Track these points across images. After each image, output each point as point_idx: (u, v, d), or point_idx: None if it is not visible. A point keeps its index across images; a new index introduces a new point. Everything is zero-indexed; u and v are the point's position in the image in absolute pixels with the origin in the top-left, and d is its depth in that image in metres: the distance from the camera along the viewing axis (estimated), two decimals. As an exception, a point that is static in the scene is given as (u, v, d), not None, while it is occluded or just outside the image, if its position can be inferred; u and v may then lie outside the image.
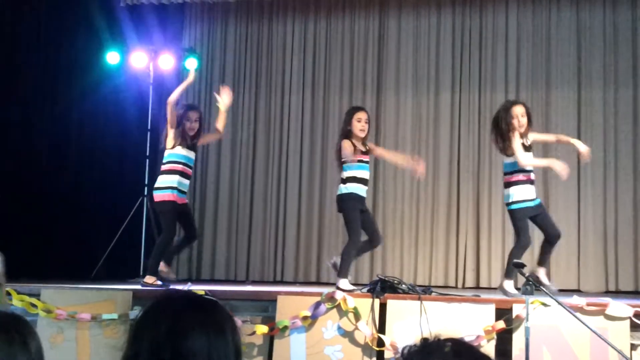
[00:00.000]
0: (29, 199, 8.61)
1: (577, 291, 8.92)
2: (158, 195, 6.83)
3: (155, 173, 9.83)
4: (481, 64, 9.62)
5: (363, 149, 6.74)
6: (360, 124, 6.69)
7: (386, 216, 9.66)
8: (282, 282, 9.64)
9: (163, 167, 7.01)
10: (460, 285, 9.31)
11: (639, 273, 8.90)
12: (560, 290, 8.81)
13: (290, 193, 9.95)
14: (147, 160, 9.56)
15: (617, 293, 8.77)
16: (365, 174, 6.70)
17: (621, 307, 4.51)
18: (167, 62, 9.56)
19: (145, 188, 9.37)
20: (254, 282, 9.59)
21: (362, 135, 6.74)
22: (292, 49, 10.16)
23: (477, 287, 9.22)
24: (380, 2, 9.92)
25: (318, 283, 9.58)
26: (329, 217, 9.71)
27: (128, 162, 9.60)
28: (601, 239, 9.06)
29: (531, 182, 6.38)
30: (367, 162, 6.80)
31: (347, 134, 6.72)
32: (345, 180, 6.56)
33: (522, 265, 4.44)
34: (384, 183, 9.74)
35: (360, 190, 6.59)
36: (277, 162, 10.07)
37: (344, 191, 6.53)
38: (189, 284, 5.21)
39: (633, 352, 4.43)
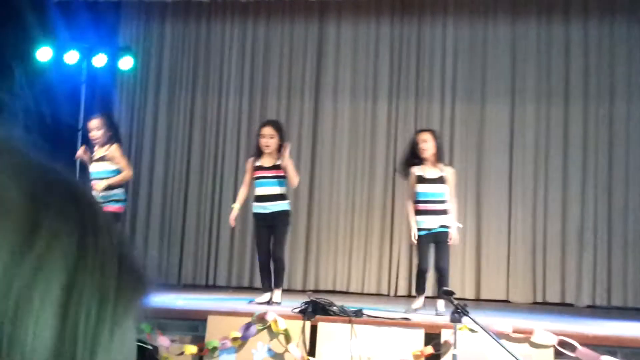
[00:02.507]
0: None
1: (506, 301, 9.12)
2: None
3: (84, 174, 9.68)
4: (418, 74, 9.70)
5: (268, 165, 6.78)
6: (263, 140, 6.75)
7: (321, 223, 9.67)
8: (214, 287, 9.57)
9: None
10: (392, 293, 9.39)
11: (565, 285, 9.11)
12: (490, 301, 9.04)
13: (225, 197, 9.86)
14: (78, 161, 9.31)
15: (545, 304, 8.99)
16: (262, 190, 6.76)
17: (546, 335, 4.60)
18: (101, 60, 9.33)
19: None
20: (186, 286, 9.49)
21: (267, 150, 6.77)
22: (230, 51, 10.06)
23: (409, 295, 9.30)
24: (319, 8, 9.88)
25: (251, 288, 9.54)
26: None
27: (58, 164, 9.34)
28: (530, 250, 9.24)
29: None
30: (269, 178, 6.80)
31: (255, 151, 6.94)
32: None
33: (451, 293, 4.49)
34: (319, 190, 9.74)
35: (257, 208, 6.82)
36: (212, 165, 9.97)
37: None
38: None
39: (556, 379, 4.54)
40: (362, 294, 9.38)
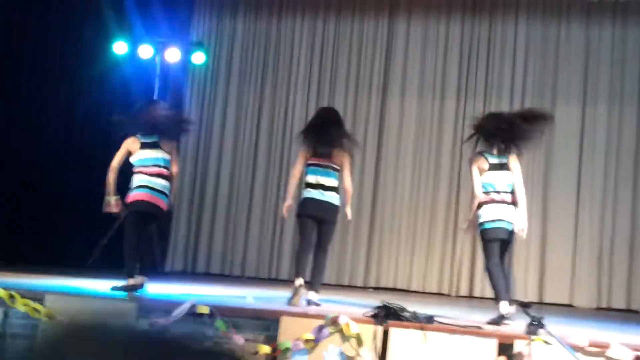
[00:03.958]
0: (32, 189, 8.61)
1: (569, 305, 9.03)
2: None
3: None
4: (488, 73, 9.63)
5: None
6: None
7: (384, 220, 9.70)
8: (277, 280, 9.69)
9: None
10: (454, 293, 9.38)
11: (632, 291, 8.97)
12: (552, 304, 8.95)
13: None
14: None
15: (609, 310, 8.88)
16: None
17: (622, 350, 4.57)
18: (174, 55, 9.50)
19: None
20: (249, 278, 9.64)
21: None
22: (300, 47, 10.14)
23: (471, 296, 9.30)
24: (390, 5, 9.89)
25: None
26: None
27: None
28: (596, 254, 9.12)
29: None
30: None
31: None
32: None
33: (528, 305, 4.50)
34: (384, 187, 9.76)
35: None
36: (279, 158, 10.09)
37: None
38: (193, 299, 5.22)
39: (630, 395, 4.51)
40: (423, 292, 9.40)
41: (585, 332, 5.36)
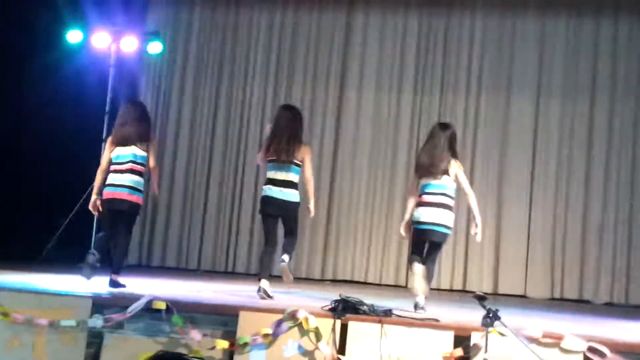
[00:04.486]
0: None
1: (523, 297, 9.17)
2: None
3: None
4: (444, 67, 9.70)
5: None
6: None
7: (341, 213, 9.72)
8: (233, 273, 9.66)
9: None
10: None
11: (583, 282, 9.15)
12: (507, 295, 9.09)
13: (247, 183, 9.93)
14: (103, 143, 9.38)
15: (562, 301, 9.05)
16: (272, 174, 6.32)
17: (576, 341, 4.65)
18: (129, 43, 9.36)
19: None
20: (206, 272, 9.59)
21: None
22: (257, 38, 10.08)
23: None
24: (348, -1, 9.88)
25: (270, 276, 9.59)
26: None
27: (84, 145, 9.41)
28: (549, 246, 9.28)
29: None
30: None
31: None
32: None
33: (484, 298, 4.55)
34: (340, 180, 9.78)
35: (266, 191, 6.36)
36: (235, 150, 10.03)
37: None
38: (150, 294, 5.16)
39: (584, 386, 4.59)
40: (379, 284, 9.45)
41: (539, 323, 5.46)
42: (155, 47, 9.49)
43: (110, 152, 6.39)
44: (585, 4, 9.31)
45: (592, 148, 9.29)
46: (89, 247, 8.95)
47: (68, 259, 8.46)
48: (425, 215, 5.91)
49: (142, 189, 6.38)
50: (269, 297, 6.08)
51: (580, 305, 8.78)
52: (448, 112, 9.57)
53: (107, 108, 9.37)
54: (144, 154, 6.35)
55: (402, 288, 9.28)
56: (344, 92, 9.90)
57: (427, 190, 5.97)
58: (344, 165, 9.79)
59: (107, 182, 6.29)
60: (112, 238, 6.26)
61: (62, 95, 9.16)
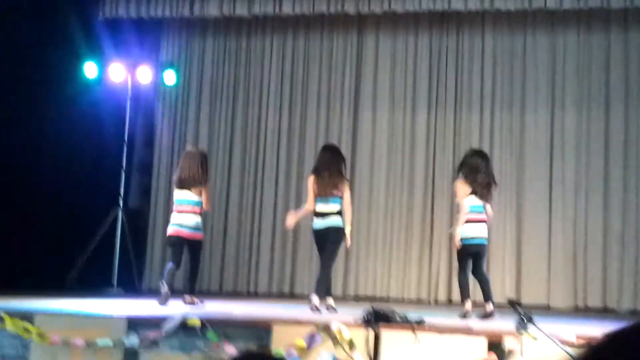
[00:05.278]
0: (4, 209, 8.54)
1: (546, 307, 9.16)
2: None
3: (129, 185, 9.87)
4: (457, 84, 9.79)
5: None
6: None
7: (360, 231, 9.75)
8: (255, 294, 9.71)
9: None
10: (432, 301, 9.46)
11: (606, 291, 9.13)
12: (530, 307, 9.06)
13: (266, 205, 10.01)
14: (123, 172, 9.52)
15: (586, 309, 9.03)
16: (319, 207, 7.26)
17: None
18: (145, 75, 9.52)
19: (121, 199, 9.36)
20: (228, 294, 9.63)
21: None
22: (270, 65, 10.21)
23: (449, 301, 9.38)
24: (358, 21, 10.01)
25: (292, 295, 9.67)
26: (303, 229, 9.75)
27: (104, 174, 9.55)
28: (571, 255, 9.28)
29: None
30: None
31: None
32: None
33: (518, 303, 4.58)
34: (358, 199, 9.83)
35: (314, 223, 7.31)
36: (252, 174, 10.13)
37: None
38: (184, 312, 5.22)
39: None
40: (402, 300, 9.47)
41: (570, 329, 5.47)
42: (170, 78, 9.65)
43: None
44: (594, 15, 9.39)
45: (608, 156, 9.31)
46: (110, 274, 9.16)
47: (90, 286, 8.58)
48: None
49: None
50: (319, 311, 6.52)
51: (605, 313, 8.77)
52: (463, 128, 9.66)
53: (125, 138, 9.53)
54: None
55: (424, 303, 9.31)
56: (358, 114, 10.01)
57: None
58: (361, 186, 9.85)
59: None
60: None
61: (81, 128, 9.30)
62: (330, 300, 6.99)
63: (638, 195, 9.20)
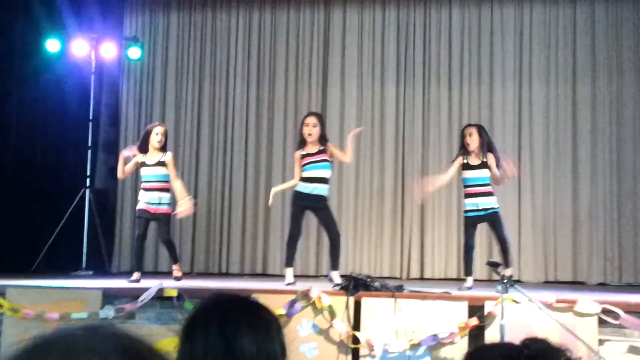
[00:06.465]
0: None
1: (518, 281, 9.19)
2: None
3: (95, 164, 9.65)
4: (425, 58, 9.75)
5: (313, 151, 7.21)
6: (307, 129, 7.20)
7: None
8: (227, 275, 9.59)
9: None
10: (405, 276, 9.44)
11: (577, 263, 9.21)
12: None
13: (236, 183, 9.89)
14: (89, 151, 9.31)
15: (556, 283, 9.09)
16: (310, 173, 7.15)
17: (590, 304, 4.68)
18: (109, 50, 9.30)
19: (87, 179, 9.15)
20: (199, 275, 9.50)
21: (310, 139, 7.20)
22: (236, 39, 10.06)
23: (422, 278, 9.39)
24: (325, -6, 9.91)
25: (264, 275, 9.58)
26: (275, 207, 9.66)
27: (69, 153, 9.33)
28: (540, 229, 9.33)
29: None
30: (316, 162, 7.17)
31: (299, 142, 7.34)
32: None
33: (497, 265, 4.56)
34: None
35: (301, 187, 7.12)
36: (221, 152, 9.99)
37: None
38: (160, 283, 5.10)
39: (601, 347, 4.61)
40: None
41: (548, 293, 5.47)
42: (134, 53, 9.44)
43: None
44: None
45: (576, 128, 9.37)
46: (79, 256, 8.96)
47: (58, 269, 8.37)
48: None
49: None
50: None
51: (575, 286, 8.83)
52: (432, 102, 9.63)
53: (90, 116, 9.31)
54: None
55: (397, 279, 9.29)
56: (326, 88, 9.92)
57: None
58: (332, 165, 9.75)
59: None
60: None
61: (44, 104, 9.07)
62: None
63: (606, 168, 9.27)
